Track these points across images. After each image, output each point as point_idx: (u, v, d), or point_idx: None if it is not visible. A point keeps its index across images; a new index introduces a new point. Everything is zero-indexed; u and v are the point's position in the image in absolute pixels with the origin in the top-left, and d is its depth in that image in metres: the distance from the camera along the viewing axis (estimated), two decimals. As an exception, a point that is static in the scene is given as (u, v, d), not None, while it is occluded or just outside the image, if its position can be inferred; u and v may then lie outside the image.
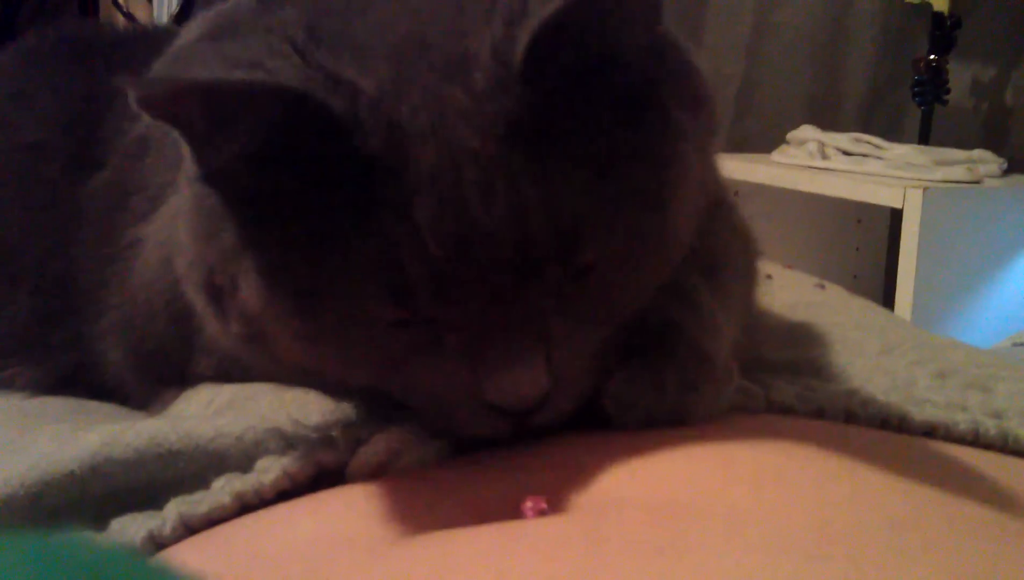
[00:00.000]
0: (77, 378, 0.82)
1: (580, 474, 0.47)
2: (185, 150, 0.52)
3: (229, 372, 0.67)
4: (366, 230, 0.47)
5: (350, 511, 0.49)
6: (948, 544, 0.38)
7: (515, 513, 0.44)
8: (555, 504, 0.45)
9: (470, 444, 0.53)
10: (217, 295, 0.54)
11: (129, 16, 2.16)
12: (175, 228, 0.68)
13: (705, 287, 0.57)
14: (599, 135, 0.48)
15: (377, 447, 0.53)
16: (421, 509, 0.47)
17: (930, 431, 0.56)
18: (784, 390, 0.59)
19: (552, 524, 0.43)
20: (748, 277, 0.68)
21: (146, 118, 0.47)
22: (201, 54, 0.51)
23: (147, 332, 0.74)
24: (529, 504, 0.44)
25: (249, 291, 0.51)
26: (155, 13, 2.20)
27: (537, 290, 0.48)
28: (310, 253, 0.48)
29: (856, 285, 1.98)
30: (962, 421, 0.56)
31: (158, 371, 0.74)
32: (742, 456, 0.47)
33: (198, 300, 0.57)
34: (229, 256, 0.51)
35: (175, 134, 0.49)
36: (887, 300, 1.78)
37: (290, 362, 0.55)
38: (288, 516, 0.50)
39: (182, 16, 1.94)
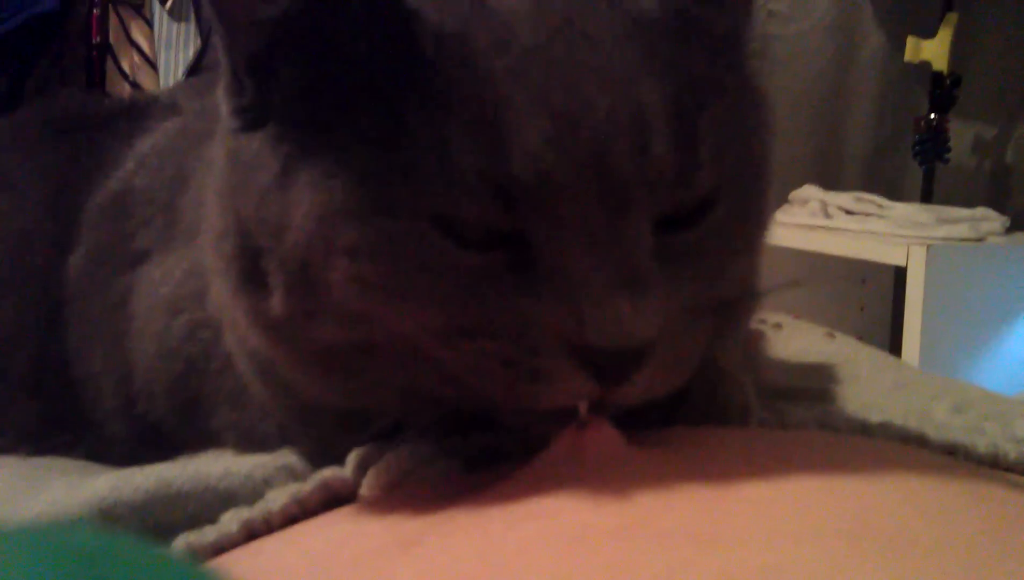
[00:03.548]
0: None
1: (599, 471, 0.43)
2: (219, 95, 0.50)
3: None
4: (458, 118, 0.42)
5: (370, 511, 0.47)
6: (991, 535, 0.37)
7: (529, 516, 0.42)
8: (573, 500, 0.41)
9: (484, 461, 0.49)
10: (254, 263, 0.48)
11: (134, 85, 2.18)
12: (168, 315, 0.68)
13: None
14: (718, 64, 0.46)
15: (388, 466, 0.50)
16: (428, 514, 0.44)
17: (950, 453, 0.55)
18: (800, 414, 0.57)
19: (575, 518, 0.40)
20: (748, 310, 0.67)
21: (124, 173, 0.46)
22: None
23: (150, 418, 0.72)
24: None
25: (298, 218, 0.45)
26: (161, 81, 2.22)
27: (650, 214, 0.43)
28: (379, 151, 0.43)
29: (862, 344, 1.97)
30: (981, 444, 0.55)
31: (166, 451, 0.73)
32: (770, 454, 0.46)
33: (226, 285, 0.52)
34: (271, 191, 0.46)
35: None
36: (893, 359, 1.77)
37: (335, 327, 0.47)
38: (301, 529, 0.48)
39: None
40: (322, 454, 0.55)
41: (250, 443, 0.62)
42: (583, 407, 0.45)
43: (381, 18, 0.43)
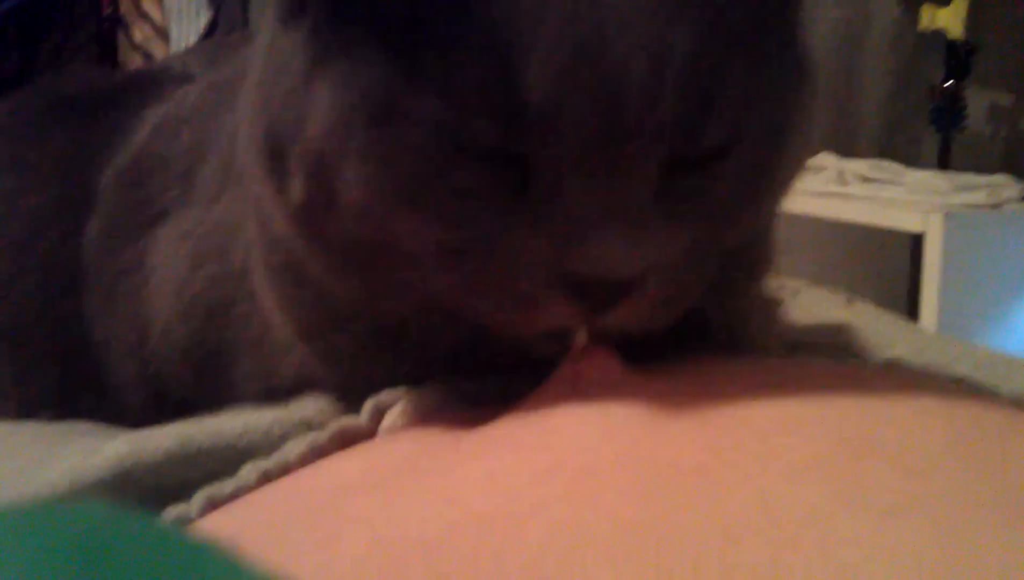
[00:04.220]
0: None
1: (612, 394, 0.43)
2: None
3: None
4: (476, 33, 0.42)
5: (362, 452, 0.47)
6: (1002, 465, 0.37)
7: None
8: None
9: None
10: (278, 150, 0.49)
11: (147, 56, 2.18)
12: (190, 269, 0.67)
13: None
14: (753, 22, 0.45)
15: (403, 410, 0.50)
16: (439, 440, 0.45)
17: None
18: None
19: (589, 446, 0.40)
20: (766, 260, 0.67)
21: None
22: None
23: (167, 380, 0.72)
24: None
25: (317, 115, 0.46)
26: (172, 51, 2.22)
27: (654, 156, 0.43)
28: (397, 57, 0.43)
29: (877, 312, 1.97)
30: (1006, 390, 0.55)
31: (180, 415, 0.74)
32: (786, 374, 0.46)
33: (257, 168, 0.52)
34: (298, 85, 0.47)
35: None
36: (910, 326, 1.77)
37: (348, 240, 0.49)
38: (315, 467, 0.49)
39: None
40: (343, 391, 0.56)
41: (269, 385, 0.63)
42: (581, 337, 0.46)
43: None
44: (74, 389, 0.81)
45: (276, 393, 0.61)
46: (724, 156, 0.45)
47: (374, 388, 0.54)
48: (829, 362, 0.54)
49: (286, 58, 0.48)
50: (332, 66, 0.45)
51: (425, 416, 0.50)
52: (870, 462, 0.36)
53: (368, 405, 0.52)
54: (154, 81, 0.90)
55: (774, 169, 0.49)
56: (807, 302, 0.88)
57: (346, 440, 0.51)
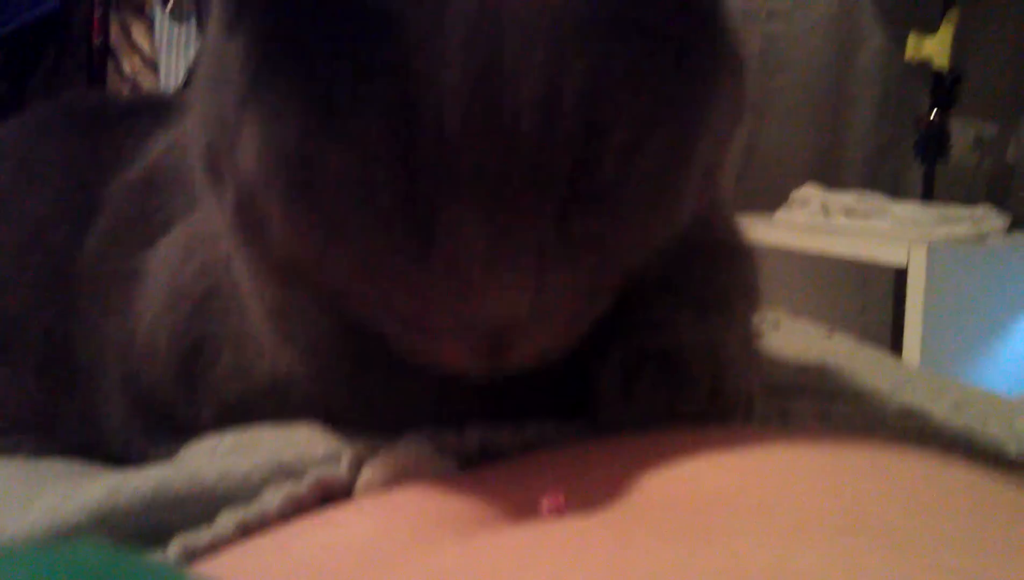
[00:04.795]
0: (86, 455, 0.81)
1: (596, 472, 0.45)
2: None
3: (235, 420, 0.66)
4: (378, 87, 0.43)
5: (365, 521, 0.47)
6: (985, 531, 0.37)
7: (531, 513, 0.43)
8: (573, 502, 0.43)
9: (481, 459, 0.51)
10: (215, 163, 0.51)
11: (135, 86, 2.18)
12: (181, 261, 0.68)
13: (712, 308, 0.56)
14: (650, 48, 0.46)
15: (384, 464, 0.51)
16: (435, 515, 0.45)
17: (950, 448, 0.55)
18: (801, 411, 0.57)
19: (574, 520, 0.41)
20: (749, 302, 0.66)
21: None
22: None
23: (149, 380, 0.72)
24: (547, 501, 0.42)
25: (245, 149, 0.47)
26: (161, 83, 2.22)
27: (547, 197, 0.45)
28: (312, 106, 0.45)
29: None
30: (983, 440, 0.55)
31: (162, 425, 0.73)
32: (766, 452, 0.46)
33: (199, 174, 0.54)
34: (232, 108, 0.48)
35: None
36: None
37: (280, 257, 0.51)
38: (298, 529, 0.48)
39: (188, 86, 1.96)
40: (316, 399, 0.58)
41: (246, 386, 0.64)
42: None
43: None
44: (55, 398, 0.81)
45: (252, 396, 0.63)
46: (622, 186, 0.46)
47: (346, 394, 0.56)
48: (816, 431, 0.54)
49: (227, 70, 0.49)
50: (258, 110, 0.46)
51: (404, 475, 0.50)
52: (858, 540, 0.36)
53: (347, 456, 0.52)
54: (166, 105, 0.91)
55: (678, 188, 0.49)
56: (788, 334, 0.88)
57: (325, 491, 0.51)
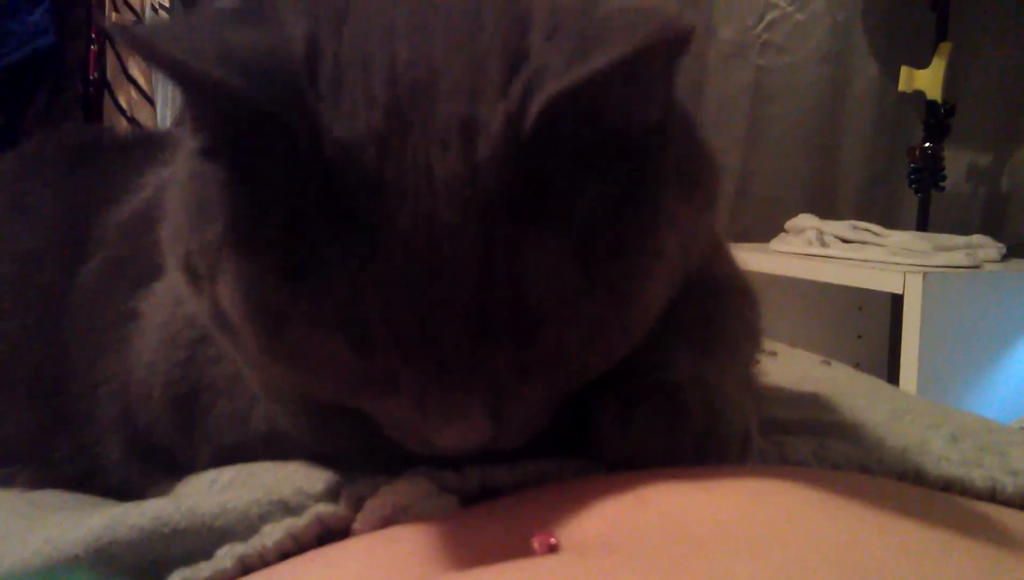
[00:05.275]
0: (82, 486, 0.81)
1: (589, 509, 0.45)
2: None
3: (233, 461, 0.66)
4: (335, 273, 0.45)
5: (357, 560, 0.47)
6: (980, 572, 0.37)
7: (524, 551, 0.43)
8: (565, 539, 0.43)
9: (479, 497, 0.52)
10: (194, 275, 0.52)
11: (132, 120, 2.19)
12: (172, 306, 0.68)
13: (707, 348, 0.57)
14: (587, 222, 0.46)
15: (384, 501, 0.51)
16: (428, 554, 0.45)
17: (946, 487, 0.55)
18: (798, 448, 0.57)
19: (566, 558, 0.41)
20: (750, 342, 0.66)
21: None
22: (201, 26, 0.48)
23: (146, 420, 0.72)
24: (538, 540, 0.43)
25: (224, 290, 0.49)
26: (158, 117, 2.23)
27: (491, 355, 0.47)
28: (283, 277, 0.47)
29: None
30: (979, 477, 0.55)
31: (159, 462, 0.73)
32: (761, 491, 0.46)
33: (175, 273, 0.55)
34: (211, 249, 0.49)
35: None
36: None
37: (258, 366, 0.55)
38: (293, 569, 0.49)
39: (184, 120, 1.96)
40: (315, 437, 0.60)
41: (242, 436, 0.64)
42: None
43: (301, 163, 0.45)
44: (50, 431, 0.80)
45: (250, 441, 0.63)
46: (567, 340, 0.48)
47: (343, 443, 0.57)
48: (814, 472, 0.54)
49: (205, 200, 0.50)
50: (236, 252, 0.48)
51: (404, 512, 0.51)
52: None
53: (346, 492, 0.53)
54: (159, 143, 0.91)
55: (631, 312, 0.50)
56: (785, 363, 0.88)
57: (323, 527, 0.51)
